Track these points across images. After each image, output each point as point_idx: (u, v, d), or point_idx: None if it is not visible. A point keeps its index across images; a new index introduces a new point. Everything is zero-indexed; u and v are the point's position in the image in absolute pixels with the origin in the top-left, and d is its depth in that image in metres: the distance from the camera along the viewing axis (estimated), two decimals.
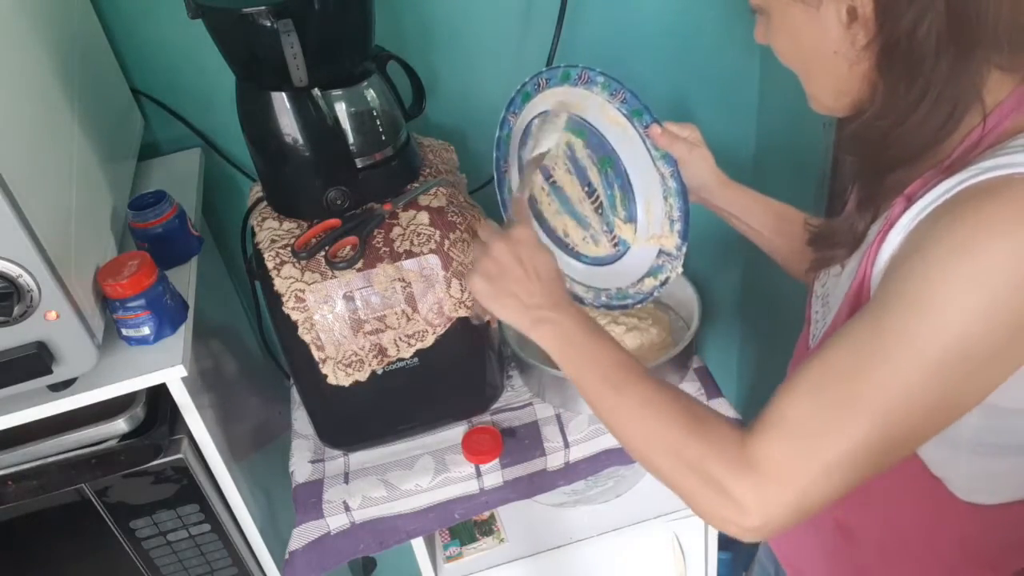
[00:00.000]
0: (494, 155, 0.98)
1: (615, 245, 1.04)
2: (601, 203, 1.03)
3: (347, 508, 1.03)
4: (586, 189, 1.02)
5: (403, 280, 0.96)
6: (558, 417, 1.10)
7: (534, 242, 0.81)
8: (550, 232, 1.05)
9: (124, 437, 0.91)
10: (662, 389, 0.70)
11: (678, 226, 1.00)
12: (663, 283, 1.02)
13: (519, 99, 0.96)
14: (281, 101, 0.92)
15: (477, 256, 0.82)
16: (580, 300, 1.03)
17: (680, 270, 1.02)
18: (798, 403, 0.62)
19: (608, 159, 1.01)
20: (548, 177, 1.01)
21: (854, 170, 0.76)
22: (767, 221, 1.00)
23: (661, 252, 1.03)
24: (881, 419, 0.59)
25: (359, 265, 0.95)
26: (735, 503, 0.62)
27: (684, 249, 1.01)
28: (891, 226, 0.65)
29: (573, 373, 0.76)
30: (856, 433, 0.59)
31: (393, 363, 1.01)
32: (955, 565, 0.78)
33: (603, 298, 1.04)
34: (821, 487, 0.61)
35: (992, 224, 0.56)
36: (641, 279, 1.03)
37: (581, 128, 0.99)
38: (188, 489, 0.95)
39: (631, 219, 1.03)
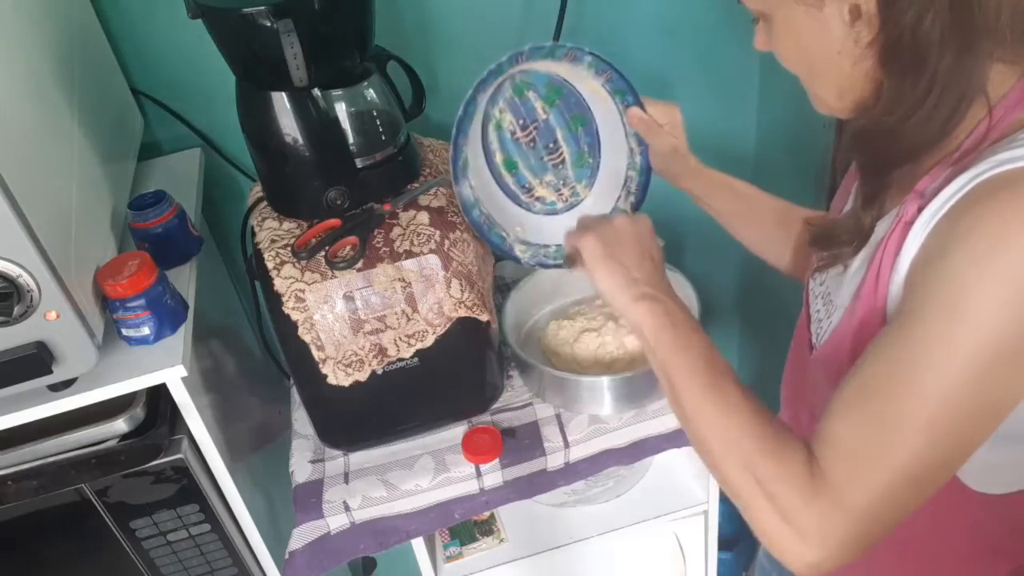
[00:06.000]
0: (453, 133, 0.94)
1: (567, 198, 1.06)
2: (563, 159, 1.03)
3: (347, 508, 1.03)
4: (550, 146, 1.03)
5: (403, 280, 0.96)
6: (558, 417, 1.10)
7: (652, 232, 0.84)
8: (503, 184, 1.03)
9: (124, 437, 0.90)
10: (748, 398, 0.69)
11: (632, 199, 1.03)
12: None
13: (491, 78, 0.93)
14: (281, 101, 0.92)
15: (598, 223, 0.83)
16: (519, 260, 1.04)
17: None
18: (846, 424, 0.62)
19: (581, 118, 1.02)
20: (513, 134, 1.01)
21: (860, 167, 0.75)
22: (740, 210, 1.02)
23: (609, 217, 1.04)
24: (929, 432, 0.59)
25: (359, 265, 0.95)
26: (799, 533, 0.61)
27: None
28: (907, 226, 0.65)
29: (663, 359, 0.74)
30: (907, 449, 0.59)
31: (393, 363, 1.01)
32: (966, 555, 0.79)
33: (540, 256, 1.05)
34: (883, 511, 0.60)
35: (1016, 219, 0.56)
36: None
37: (559, 87, 1.00)
38: (188, 489, 0.95)
39: (591, 177, 1.05)
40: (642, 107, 0.98)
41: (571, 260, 0.87)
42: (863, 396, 0.62)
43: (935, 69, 0.61)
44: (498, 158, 1.01)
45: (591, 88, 0.99)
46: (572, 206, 1.06)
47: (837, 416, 0.63)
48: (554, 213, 1.06)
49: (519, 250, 1.04)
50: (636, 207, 1.04)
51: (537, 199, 1.05)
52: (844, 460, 0.61)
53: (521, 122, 1.01)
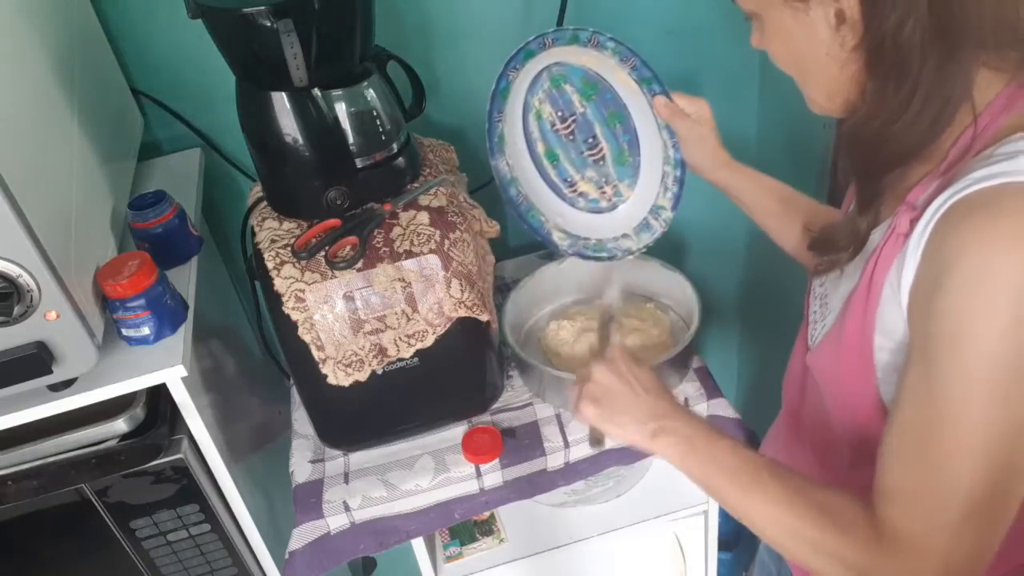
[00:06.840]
0: (488, 107, 0.99)
1: (610, 197, 1.07)
2: (603, 156, 1.05)
3: (347, 508, 1.03)
4: (589, 140, 1.04)
5: (403, 280, 0.96)
6: (558, 417, 1.10)
7: (628, 358, 0.84)
8: (546, 176, 1.06)
9: (124, 437, 0.91)
10: (787, 482, 0.70)
11: (670, 194, 1.04)
12: (644, 245, 1.06)
13: (521, 55, 0.97)
14: (281, 101, 0.92)
15: (580, 387, 0.84)
16: (556, 248, 1.06)
17: (665, 228, 1.06)
18: (899, 475, 0.64)
19: (619, 114, 1.03)
20: (553, 125, 1.03)
21: (852, 171, 0.76)
22: (768, 206, 1.02)
23: (648, 215, 1.06)
24: (978, 460, 0.60)
25: (359, 265, 0.95)
26: None
27: (672, 215, 1.05)
28: (899, 237, 0.65)
29: (698, 477, 0.77)
30: (963, 482, 0.60)
31: (393, 363, 1.01)
32: None
33: (580, 246, 1.07)
34: (960, 549, 0.61)
35: (995, 242, 0.57)
36: (625, 235, 1.06)
37: (595, 83, 1.02)
38: (188, 489, 0.95)
39: (634, 175, 1.06)
40: (668, 96, 0.99)
41: (596, 439, 0.90)
42: (905, 444, 0.63)
43: (917, 74, 0.62)
44: (540, 148, 1.04)
45: (622, 80, 1.01)
46: (615, 206, 1.07)
47: (888, 469, 0.65)
48: (598, 211, 1.08)
49: (557, 237, 1.06)
50: (674, 204, 1.05)
51: (580, 195, 1.06)
52: (910, 509, 0.63)
53: (560, 114, 1.03)
